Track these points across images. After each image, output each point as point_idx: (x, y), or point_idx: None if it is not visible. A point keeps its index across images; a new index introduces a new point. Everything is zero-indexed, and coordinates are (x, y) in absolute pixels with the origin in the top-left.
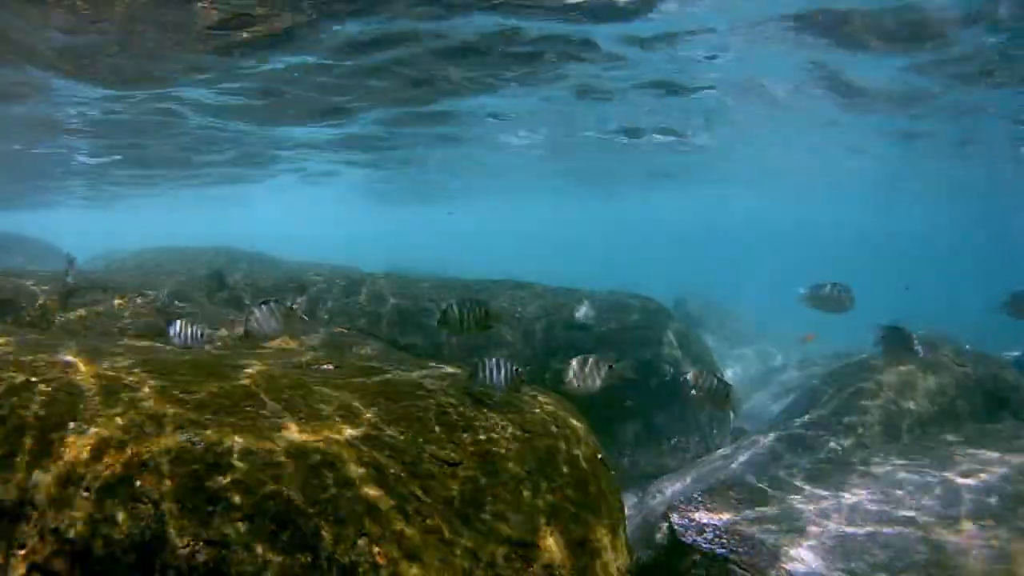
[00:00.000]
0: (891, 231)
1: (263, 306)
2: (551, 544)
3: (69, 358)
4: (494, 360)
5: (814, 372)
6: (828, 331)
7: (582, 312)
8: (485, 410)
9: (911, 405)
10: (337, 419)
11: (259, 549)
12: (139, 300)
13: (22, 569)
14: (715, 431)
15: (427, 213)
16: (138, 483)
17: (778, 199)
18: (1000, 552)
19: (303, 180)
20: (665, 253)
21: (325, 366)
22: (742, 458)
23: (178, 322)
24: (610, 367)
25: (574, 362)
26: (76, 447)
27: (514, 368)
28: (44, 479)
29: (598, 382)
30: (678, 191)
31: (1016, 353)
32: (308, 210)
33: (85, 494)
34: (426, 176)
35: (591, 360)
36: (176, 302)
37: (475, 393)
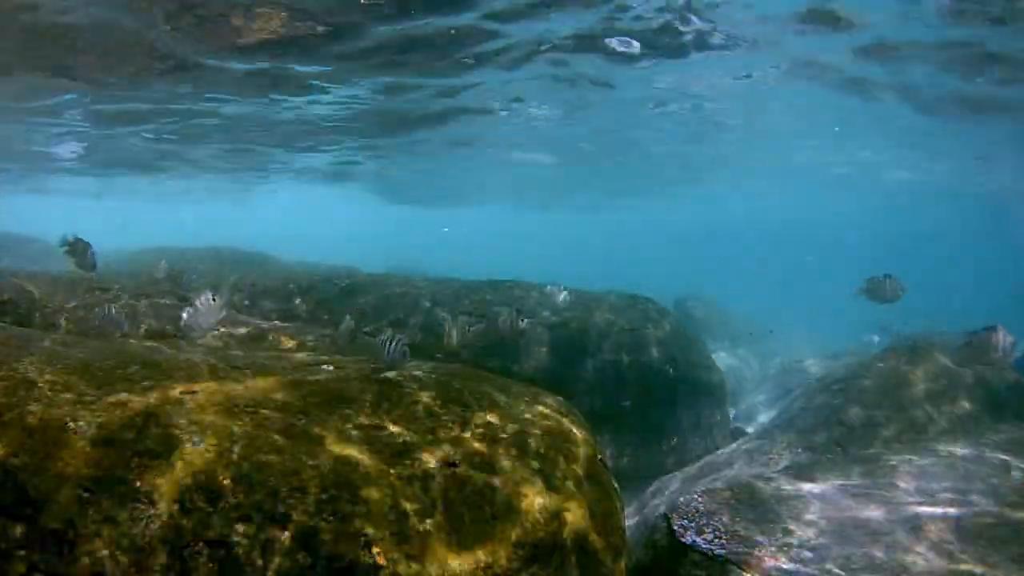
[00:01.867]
0: (891, 231)
1: (200, 300)
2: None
3: None
4: (387, 336)
5: (813, 372)
6: (831, 332)
7: (560, 299)
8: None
9: (910, 406)
10: None
11: None
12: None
13: None
14: (715, 431)
15: (428, 213)
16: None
17: (778, 200)
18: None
19: (306, 178)
20: (665, 254)
21: (325, 367)
22: (741, 458)
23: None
24: (468, 328)
25: (448, 321)
26: None
27: (403, 344)
28: None
29: (455, 338)
30: (678, 191)
31: (1016, 354)
32: (309, 210)
33: None
34: (432, 178)
35: (460, 319)
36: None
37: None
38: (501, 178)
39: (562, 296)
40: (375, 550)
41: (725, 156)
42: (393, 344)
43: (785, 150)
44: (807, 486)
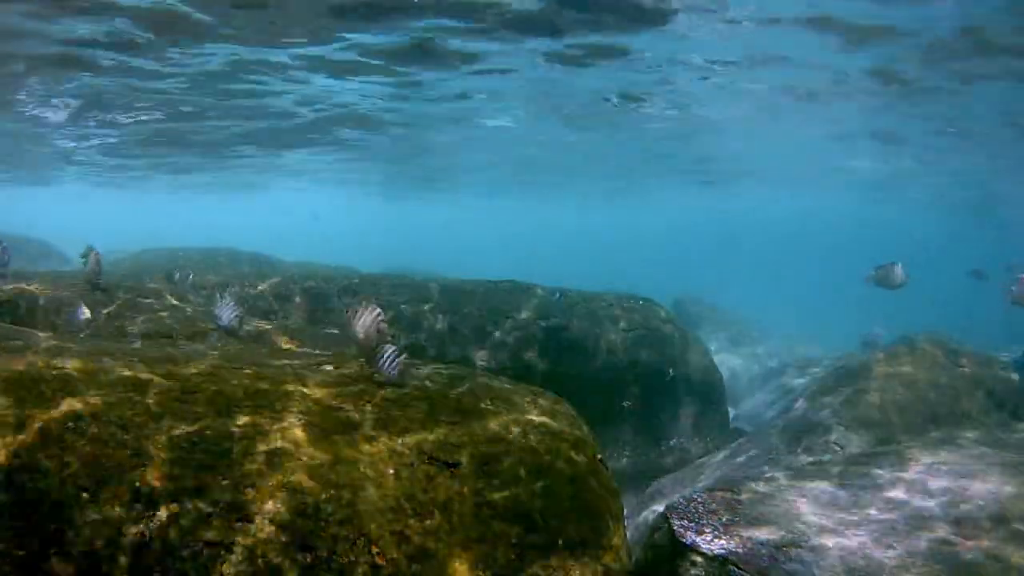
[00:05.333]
0: (889, 232)
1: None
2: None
3: None
4: (386, 350)
5: (813, 373)
6: (831, 332)
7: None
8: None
9: (911, 405)
10: None
11: None
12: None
13: None
14: (715, 431)
15: (424, 211)
16: None
17: (778, 200)
18: (996, 553)
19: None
20: (664, 254)
21: (326, 367)
22: (741, 458)
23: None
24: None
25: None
26: None
27: (401, 358)
28: None
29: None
30: (678, 192)
31: (1015, 353)
32: (306, 208)
33: None
34: (428, 168)
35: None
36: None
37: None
38: (499, 160)
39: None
40: (374, 549)
41: (725, 161)
42: (390, 358)
43: (786, 154)
44: (807, 486)
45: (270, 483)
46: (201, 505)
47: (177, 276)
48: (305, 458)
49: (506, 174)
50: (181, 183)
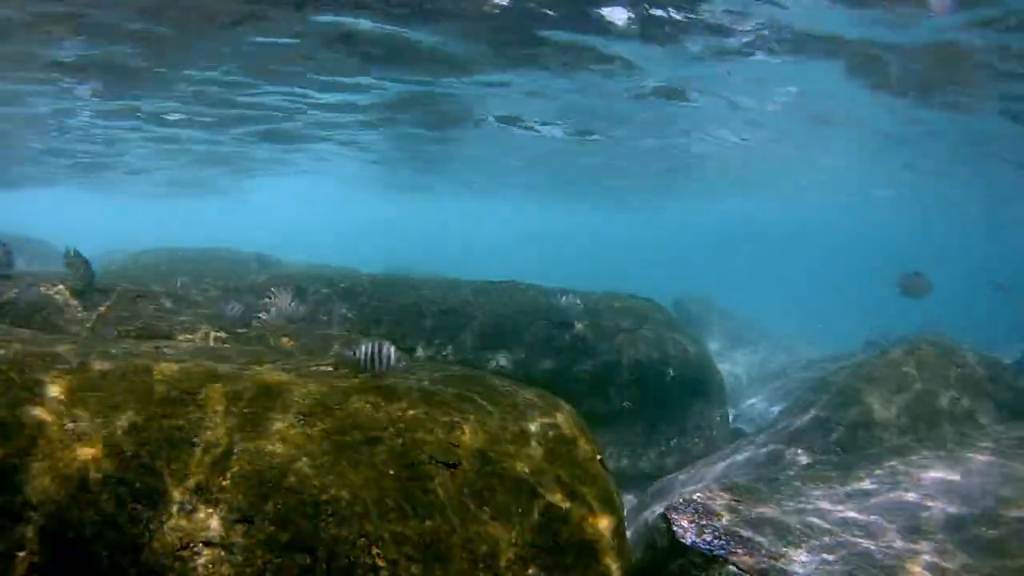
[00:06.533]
0: (888, 233)
1: None
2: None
3: None
4: (374, 345)
5: (813, 374)
6: (832, 333)
7: (566, 301)
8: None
9: (911, 407)
10: None
11: None
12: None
13: None
14: (715, 432)
15: (425, 209)
16: None
17: (778, 202)
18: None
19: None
20: (664, 255)
21: (325, 367)
22: (741, 459)
23: None
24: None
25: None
26: None
27: (395, 353)
28: None
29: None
30: (678, 194)
31: (1017, 354)
32: (306, 206)
33: None
34: (433, 168)
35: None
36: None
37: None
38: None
39: (578, 307)
40: (374, 551)
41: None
42: (376, 350)
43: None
44: (807, 487)
45: None
46: None
47: None
48: None
49: (522, 177)
50: (186, 180)
